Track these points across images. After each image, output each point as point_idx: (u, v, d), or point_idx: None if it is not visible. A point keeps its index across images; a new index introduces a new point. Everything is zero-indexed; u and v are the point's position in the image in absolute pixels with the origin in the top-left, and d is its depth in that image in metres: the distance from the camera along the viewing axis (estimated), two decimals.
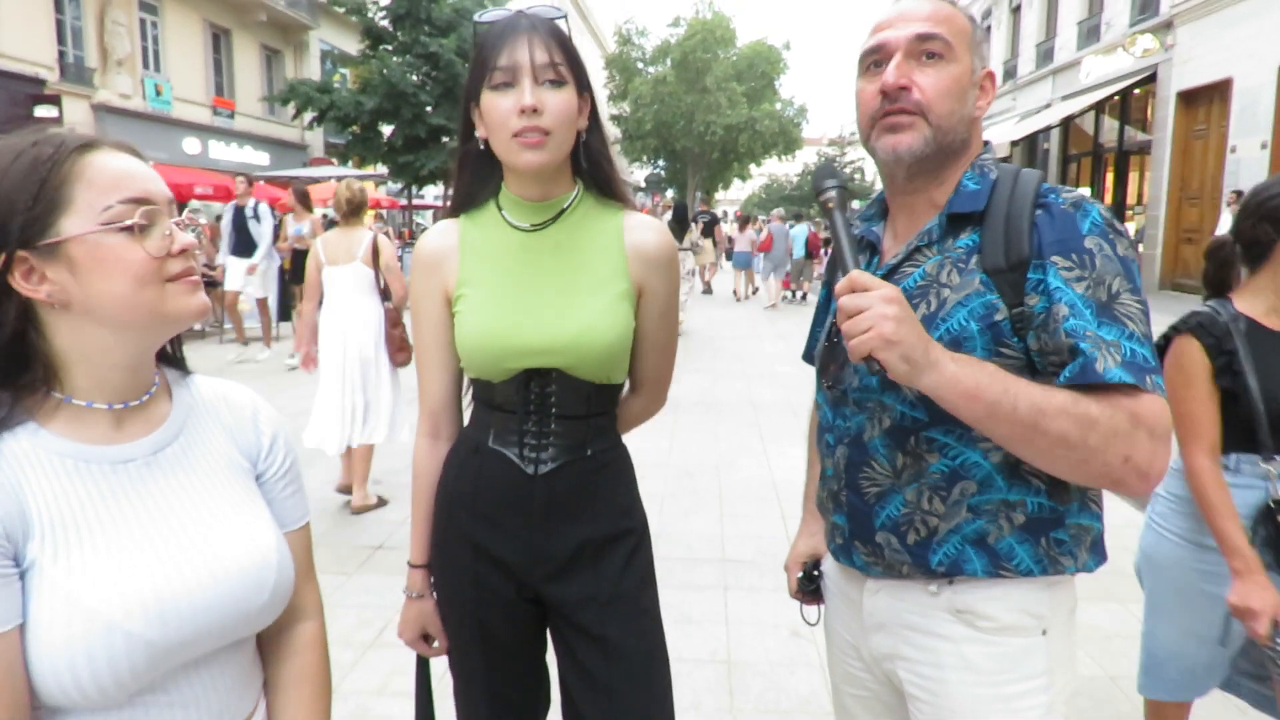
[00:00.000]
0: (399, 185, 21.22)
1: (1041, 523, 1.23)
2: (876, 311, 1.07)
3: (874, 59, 1.29)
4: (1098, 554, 1.29)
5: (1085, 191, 1.25)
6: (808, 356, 1.64)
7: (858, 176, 48.18)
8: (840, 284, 1.13)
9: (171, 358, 1.10)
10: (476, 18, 1.44)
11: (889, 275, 1.30)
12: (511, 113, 1.35)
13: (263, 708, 1.10)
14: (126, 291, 0.92)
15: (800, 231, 17.59)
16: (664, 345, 1.59)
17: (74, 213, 0.90)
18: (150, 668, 0.91)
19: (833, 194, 1.24)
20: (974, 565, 1.24)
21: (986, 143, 1.35)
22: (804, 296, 17.95)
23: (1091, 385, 1.10)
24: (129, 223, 0.92)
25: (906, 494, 1.27)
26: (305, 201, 8.98)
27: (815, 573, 1.59)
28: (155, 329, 0.98)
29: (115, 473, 0.96)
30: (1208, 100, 14.85)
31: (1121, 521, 4.20)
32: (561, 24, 1.42)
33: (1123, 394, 1.09)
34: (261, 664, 1.13)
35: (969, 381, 1.09)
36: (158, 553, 0.95)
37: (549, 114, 1.35)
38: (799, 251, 17.49)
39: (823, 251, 18.76)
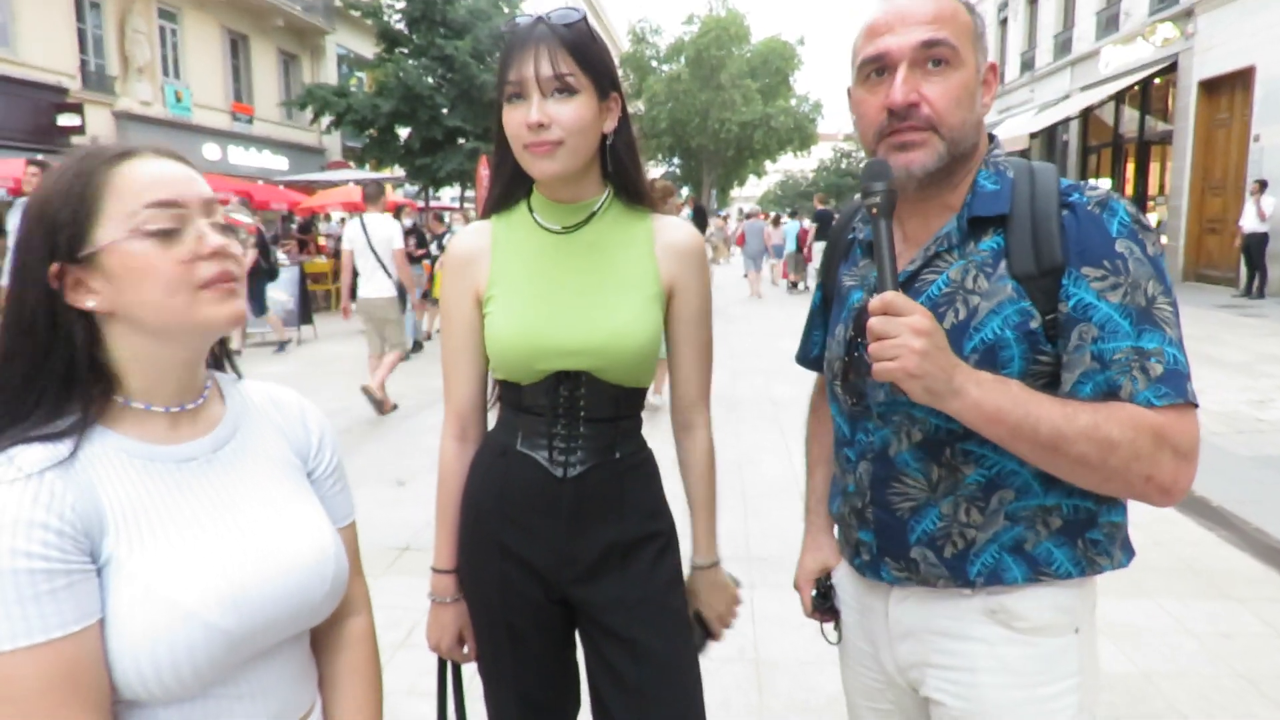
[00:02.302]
0: (416, 187, 21.30)
1: (1078, 524, 1.21)
2: (903, 342, 1.06)
3: (874, 67, 1.21)
4: (1128, 549, 1.28)
5: (1106, 185, 1.24)
6: (803, 360, 1.61)
7: None
8: (874, 302, 1.09)
9: (221, 362, 1.13)
10: (503, 26, 1.43)
11: (908, 283, 1.25)
12: (521, 125, 1.36)
13: (319, 702, 1.12)
14: (157, 298, 0.93)
15: (792, 227, 18.67)
16: (702, 350, 1.57)
17: (106, 222, 0.92)
18: (226, 657, 0.93)
19: (877, 198, 1.16)
20: (1014, 573, 1.21)
21: (992, 137, 1.30)
22: (806, 287, 18.72)
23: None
24: (151, 228, 0.92)
25: (942, 507, 1.23)
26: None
27: (828, 588, 1.53)
28: (190, 336, 0.98)
29: (180, 470, 0.98)
30: (1230, 89, 14.67)
31: (1152, 517, 4.18)
32: (582, 25, 1.39)
33: (1150, 411, 1.08)
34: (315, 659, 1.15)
35: (991, 406, 1.08)
36: (227, 545, 0.97)
37: (558, 125, 1.35)
38: (790, 245, 18.57)
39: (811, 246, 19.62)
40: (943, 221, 1.25)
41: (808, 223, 18.41)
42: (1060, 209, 1.16)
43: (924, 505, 1.25)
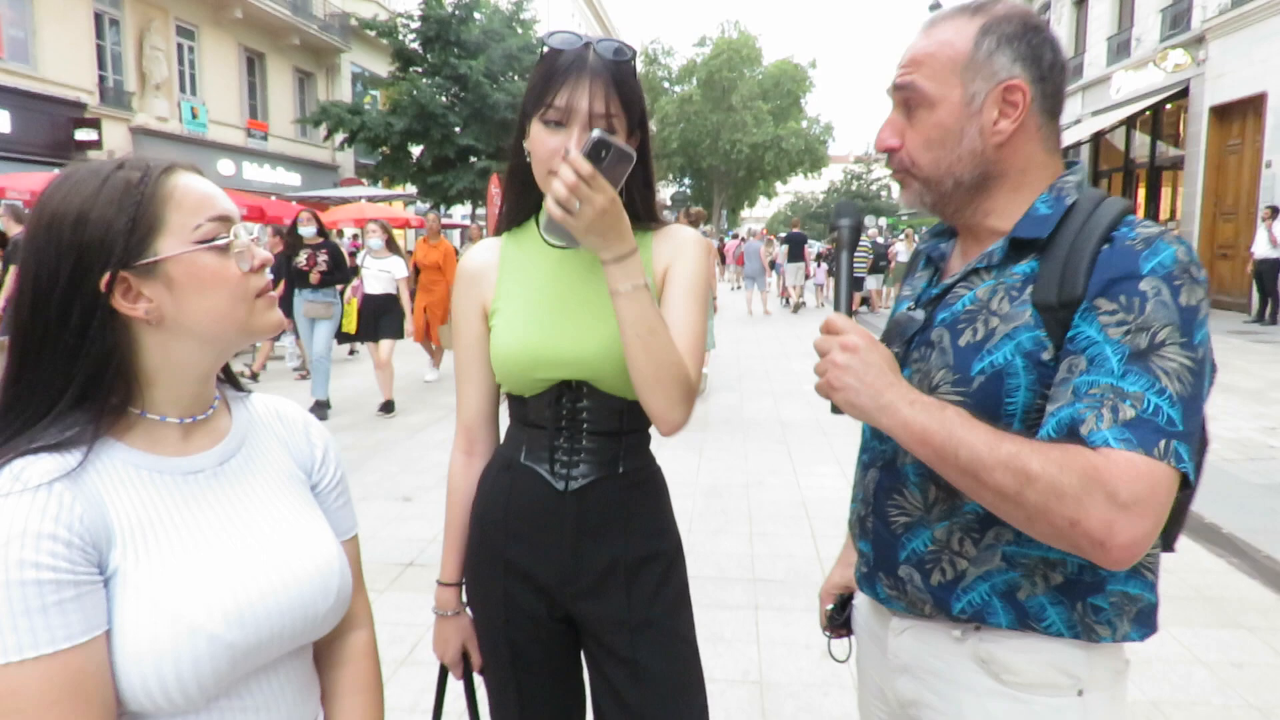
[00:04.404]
0: (427, 205, 21.44)
1: (1080, 585, 1.13)
2: (832, 357, 1.13)
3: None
4: (1143, 625, 1.17)
5: (1173, 229, 1.17)
6: None
7: (884, 194, 48.03)
8: (822, 323, 1.19)
9: (228, 376, 1.14)
10: (546, 37, 1.42)
11: (942, 295, 1.24)
12: (554, 153, 1.35)
13: (321, 716, 1.13)
14: (223, 307, 0.97)
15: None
16: (687, 325, 1.43)
17: (168, 233, 0.94)
18: (231, 670, 0.94)
19: (842, 232, 1.29)
20: (999, 618, 1.15)
21: (1073, 162, 1.23)
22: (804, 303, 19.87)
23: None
24: (222, 241, 0.97)
25: (935, 530, 1.19)
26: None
27: (847, 606, 1.50)
28: (238, 342, 1.02)
29: (187, 483, 0.99)
30: (1241, 115, 14.67)
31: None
32: (630, 64, 1.39)
33: (1090, 450, 0.98)
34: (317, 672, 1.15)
35: (918, 426, 1.06)
36: (233, 558, 0.97)
37: None
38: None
39: (814, 266, 20.88)
40: (992, 243, 1.23)
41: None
42: (1102, 242, 1.09)
43: (917, 524, 1.22)
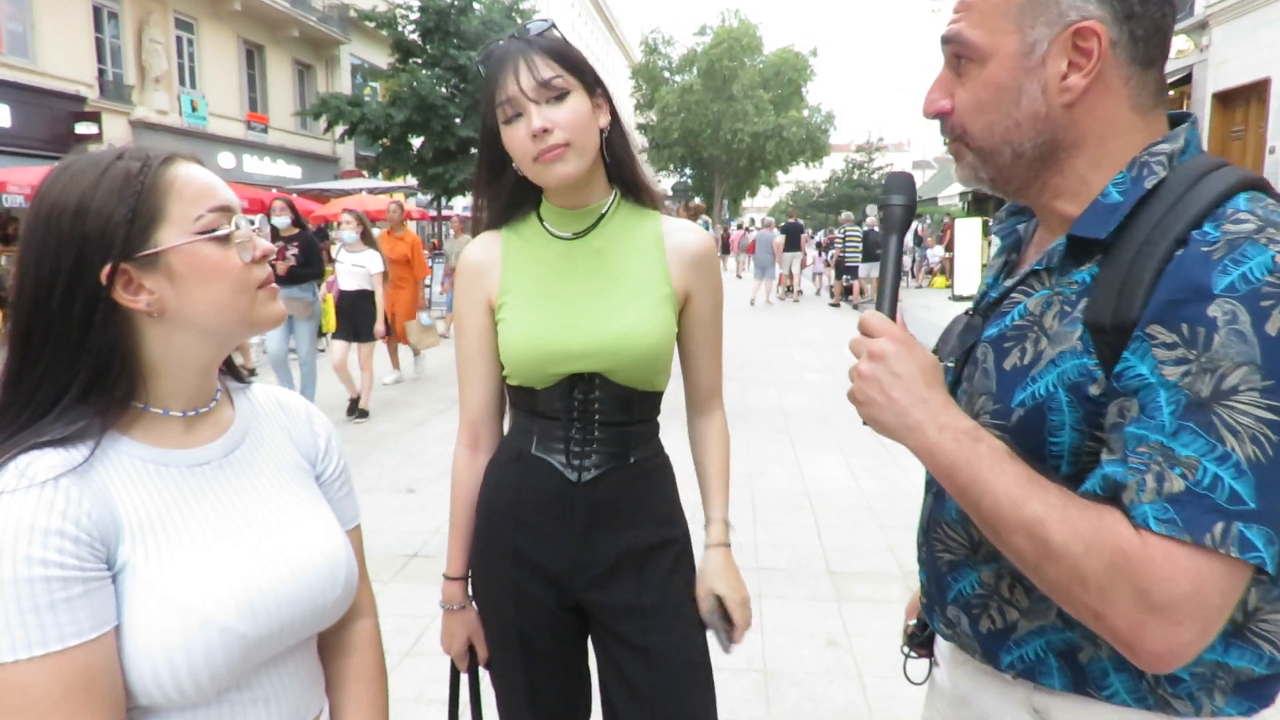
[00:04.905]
0: (428, 197, 21.41)
1: None
2: (858, 365, 0.99)
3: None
4: (1250, 698, 0.92)
5: (1273, 228, 0.83)
6: None
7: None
8: (859, 319, 1.02)
9: (230, 368, 1.13)
10: (477, 58, 1.46)
11: (999, 301, 1.05)
12: (526, 140, 1.37)
13: (327, 706, 1.13)
14: (224, 298, 0.96)
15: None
16: (716, 348, 1.59)
17: (169, 224, 0.93)
18: (242, 662, 0.94)
19: (892, 211, 1.08)
20: (1053, 679, 0.97)
21: (1181, 119, 0.97)
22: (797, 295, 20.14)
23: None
24: (223, 231, 0.96)
25: (983, 573, 1.03)
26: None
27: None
28: (240, 334, 1.01)
29: (192, 475, 0.99)
30: (1245, 101, 14.61)
31: None
32: (553, 32, 1.44)
33: (1130, 530, 0.80)
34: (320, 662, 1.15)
35: (945, 457, 0.91)
36: (241, 550, 0.97)
37: (559, 128, 1.37)
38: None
39: (814, 255, 21.11)
40: (1062, 234, 0.99)
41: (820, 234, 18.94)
42: (1178, 243, 0.85)
43: (962, 564, 1.06)
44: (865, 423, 1.00)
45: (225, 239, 0.96)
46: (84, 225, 0.90)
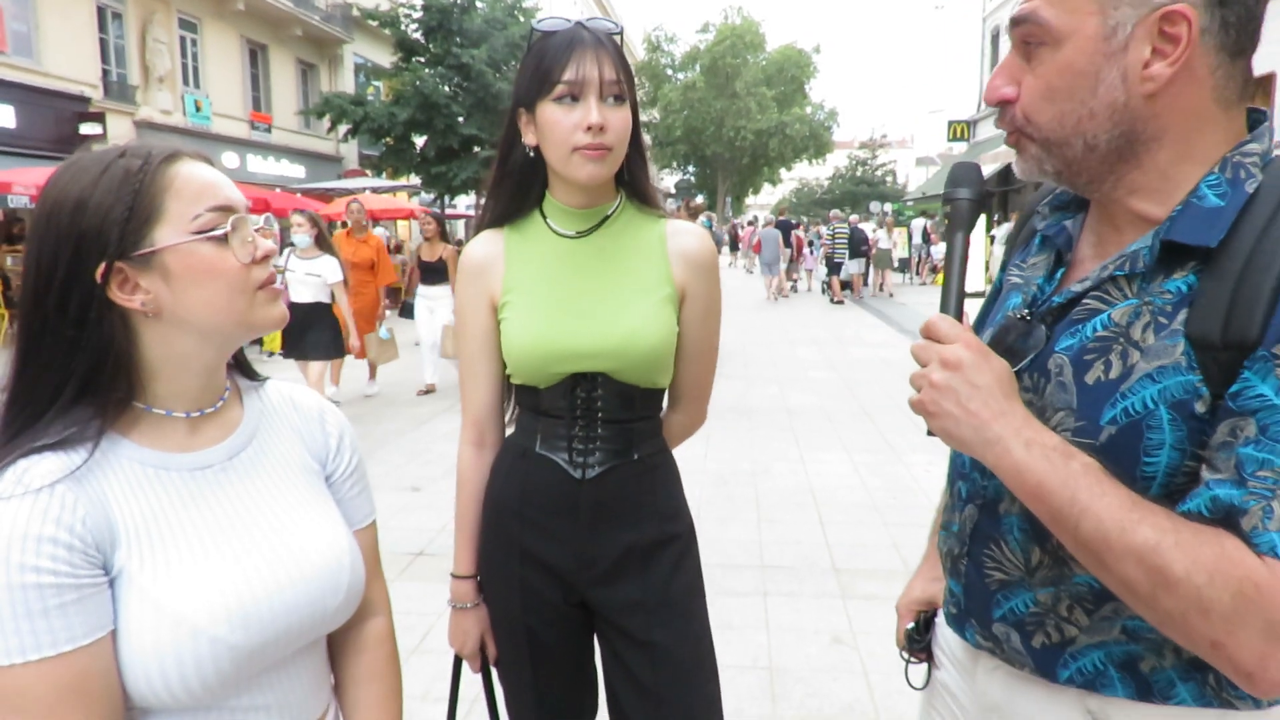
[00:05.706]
0: (432, 195, 21.43)
1: None
2: (929, 373, 0.91)
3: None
4: None
5: None
6: None
7: (889, 179, 47.87)
8: (923, 324, 0.95)
9: (241, 365, 1.12)
10: (535, 24, 1.44)
11: (1067, 307, 0.97)
12: (576, 128, 1.36)
13: (334, 708, 1.12)
14: (220, 299, 0.94)
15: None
16: (706, 351, 1.59)
17: (166, 223, 0.92)
18: (235, 671, 0.93)
19: (959, 207, 1.02)
20: (1115, 689, 0.94)
21: (1259, 117, 0.92)
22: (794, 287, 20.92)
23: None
24: (220, 231, 0.94)
25: (1039, 595, 0.98)
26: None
27: (930, 625, 1.29)
28: (239, 336, 1.00)
29: (193, 479, 0.98)
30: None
31: None
32: (620, 38, 1.45)
33: (1256, 559, 0.77)
34: (331, 661, 1.14)
35: (1033, 476, 0.85)
36: (238, 557, 0.96)
37: (612, 131, 1.37)
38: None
39: (806, 251, 21.34)
40: (1137, 234, 0.93)
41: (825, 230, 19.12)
42: None
43: (1016, 585, 1.01)
44: (933, 433, 0.94)
45: (222, 239, 0.94)
46: (82, 221, 0.89)
